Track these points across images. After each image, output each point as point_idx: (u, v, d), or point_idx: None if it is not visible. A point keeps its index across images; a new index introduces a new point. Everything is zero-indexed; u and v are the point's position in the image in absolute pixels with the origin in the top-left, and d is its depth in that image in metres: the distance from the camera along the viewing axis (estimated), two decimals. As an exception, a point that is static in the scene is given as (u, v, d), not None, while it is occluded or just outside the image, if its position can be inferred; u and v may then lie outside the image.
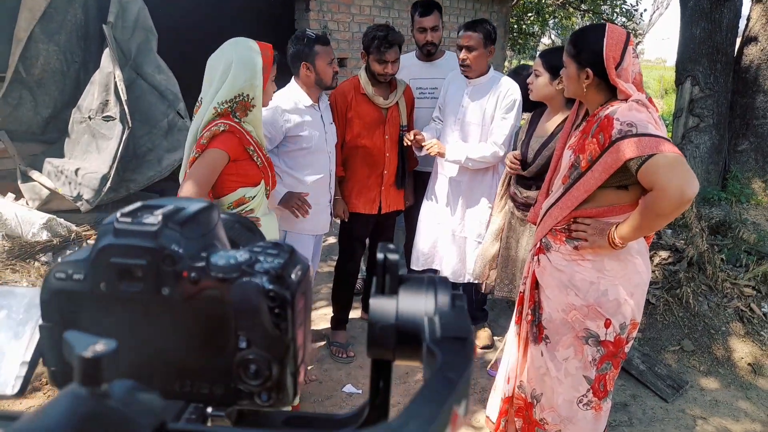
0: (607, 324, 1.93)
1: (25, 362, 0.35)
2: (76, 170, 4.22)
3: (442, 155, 2.83)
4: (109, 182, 4.15)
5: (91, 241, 4.07)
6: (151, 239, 0.31)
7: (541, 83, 2.46)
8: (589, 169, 1.83)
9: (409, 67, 3.23)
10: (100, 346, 0.22)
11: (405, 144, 2.88)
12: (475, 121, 2.89)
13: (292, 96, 2.61)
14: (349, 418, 0.33)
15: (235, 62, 1.98)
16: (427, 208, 3.15)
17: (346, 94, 2.89)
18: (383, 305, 0.34)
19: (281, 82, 2.34)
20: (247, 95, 2.01)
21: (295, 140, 2.60)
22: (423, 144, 2.82)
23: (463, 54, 2.82)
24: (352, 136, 2.91)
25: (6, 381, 0.35)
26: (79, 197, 4.22)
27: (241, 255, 0.33)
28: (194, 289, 0.32)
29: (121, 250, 0.32)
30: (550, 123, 2.53)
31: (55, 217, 4.09)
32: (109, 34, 4.13)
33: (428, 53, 3.22)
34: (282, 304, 0.32)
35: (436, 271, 3.25)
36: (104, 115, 4.21)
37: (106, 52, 4.15)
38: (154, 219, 0.32)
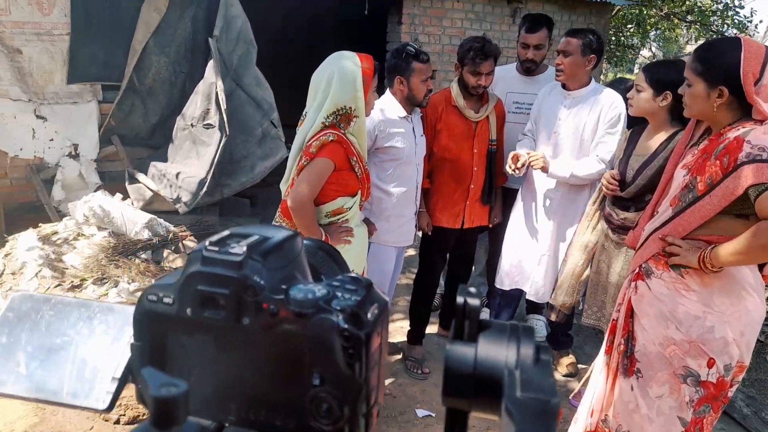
0: (710, 364, 1.78)
1: (116, 378, 0.36)
2: (177, 174, 4.51)
3: (545, 170, 2.73)
4: (205, 186, 4.40)
5: (186, 242, 4.32)
6: (235, 269, 0.32)
7: (643, 98, 2.31)
8: (707, 193, 1.70)
9: (507, 79, 3.16)
10: (174, 388, 0.22)
11: (507, 172, 2.79)
12: (571, 134, 2.78)
13: (386, 107, 2.63)
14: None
15: (337, 75, 2.04)
16: (514, 225, 3.06)
17: (437, 105, 2.87)
18: (461, 352, 0.32)
19: (380, 92, 2.39)
20: (350, 107, 2.07)
21: (387, 151, 2.63)
22: (528, 157, 2.71)
23: (558, 59, 2.74)
24: (440, 147, 2.89)
25: (98, 395, 0.36)
26: (178, 199, 4.50)
27: (320, 290, 0.32)
28: (273, 321, 0.32)
29: (206, 278, 0.33)
30: (653, 141, 2.37)
31: (155, 217, 4.39)
32: (213, 47, 4.39)
33: (527, 69, 3.14)
34: (356, 345, 0.31)
35: (522, 292, 3.15)
36: (205, 122, 4.48)
37: (210, 63, 4.41)
38: (239, 249, 0.32)
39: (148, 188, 4.59)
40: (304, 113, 2.17)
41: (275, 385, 0.33)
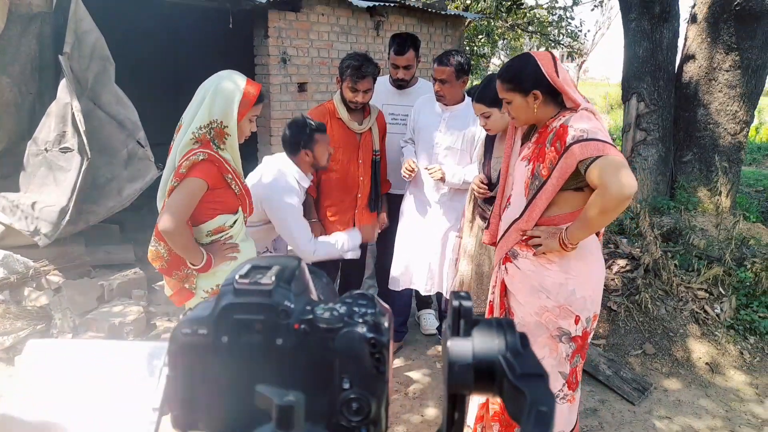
0: (577, 320, 2.05)
1: (156, 409, 0.38)
2: (33, 204, 4.10)
3: (443, 180, 2.94)
4: (68, 215, 4.05)
5: (50, 277, 3.93)
6: (267, 297, 0.36)
7: (495, 119, 2.57)
8: (550, 176, 1.96)
9: (382, 92, 3.30)
10: (292, 398, 0.27)
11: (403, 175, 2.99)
12: (454, 146, 3.00)
13: (297, 176, 2.68)
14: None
15: (214, 89, 2.04)
16: (403, 229, 3.21)
17: (322, 118, 2.94)
18: (460, 346, 0.39)
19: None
20: (221, 122, 2.04)
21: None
22: (428, 170, 2.95)
23: (437, 86, 2.94)
24: None
25: (142, 427, 0.38)
26: (36, 232, 4.09)
27: (340, 307, 0.38)
28: (304, 339, 0.37)
29: (242, 307, 0.36)
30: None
31: (11, 253, 3.96)
32: (65, 65, 4.06)
33: (399, 86, 3.31)
34: (381, 350, 0.37)
35: (412, 291, 3.32)
36: (62, 146, 4.12)
37: (63, 82, 4.07)
38: (268, 279, 0.37)
39: (-1, 222, 4.12)
40: (180, 119, 2.12)
41: (308, 393, 0.37)
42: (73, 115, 4.02)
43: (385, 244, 3.38)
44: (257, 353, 0.36)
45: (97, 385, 0.38)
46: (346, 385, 0.37)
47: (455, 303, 0.39)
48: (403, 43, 3.18)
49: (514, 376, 0.36)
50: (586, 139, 1.85)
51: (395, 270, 3.23)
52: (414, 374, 3.25)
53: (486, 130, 2.65)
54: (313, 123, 2.71)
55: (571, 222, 1.96)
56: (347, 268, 3.35)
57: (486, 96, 2.54)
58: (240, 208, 2.18)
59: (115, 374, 0.39)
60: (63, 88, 4.07)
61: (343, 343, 0.37)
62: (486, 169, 2.70)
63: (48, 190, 4.15)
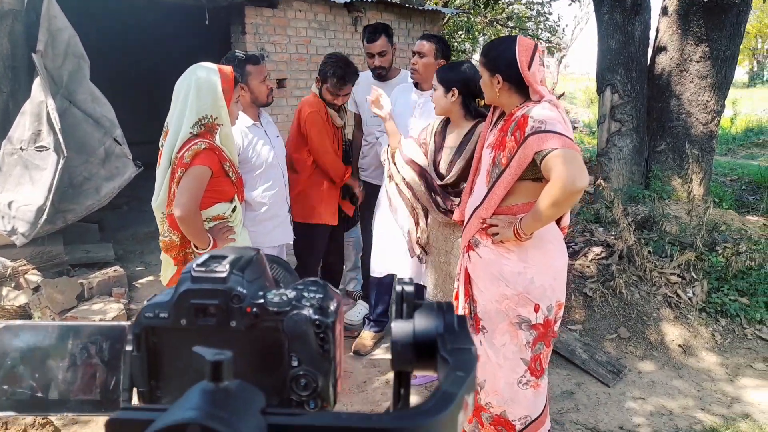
0: (536, 308, 2.09)
1: (125, 389, 0.42)
2: (9, 203, 4.06)
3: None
4: (45, 214, 4.02)
5: (29, 276, 3.90)
6: (222, 283, 0.40)
7: (437, 96, 2.54)
8: (508, 165, 2.00)
9: (365, 85, 3.32)
10: (222, 355, 0.31)
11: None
12: (422, 129, 3.03)
13: (241, 127, 2.65)
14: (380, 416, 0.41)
15: (195, 86, 2.08)
16: (380, 218, 3.25)
17: (318, 108, 3.03)
18: (403, 328, 0.43)
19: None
20: (211, 116, 2.11)
21: (248, 160, 2.67)
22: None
23: (414, 59, 2.99)
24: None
25: (115, 405, 0.42)
26: (13, 231, 4.06)
27: (290, 292, 0.42)
28: (255, 321, 0.41)
29: (198, 293, 0.40)
30: (456, 134, 2.61)
31: (-12, 254, 3.93)
32: (39, 63, 4.02)
33: (379, 76, 3.34)
34: (325, 331, 0.41)
35: (393, 275, 3.37)
36: (37, 145, 4.08)
37: (37, 81, 4.03)
38: (222, 267, 0.41)
39: (-25, 223, 4.07)
40: (165, 125, 2.18)
41: (260, 371, 0.41)
42: (48, 113, 3.99)
43: (368, 235, 3.43)
44: (213, 334, 0.40)
45: (66, 368, 0.42)
46: (295, 363, 0.41)
47: (398, 288, 0.43)
48: (374, 30, 3.25)
49: (445, 350, 0.40)
50: (544, 131, 1.89)
51: (374, 257, 3.27)
52: (395, 364, 3.31)
53: (432, 102, 2.63)
54: (242, 54, 2.67)
55: (530, 210, 2.00)
56: (330, 257, 3.42)
57: (441, 72, 2.56)
58: (236, 195, 2.28)
59: (80, 355, 0.43)
60: (37, 87, 4.03)
61: (290, 324, 0.41)
62: (437, 157, 2.66)
63: (24, 189, 4.12)
